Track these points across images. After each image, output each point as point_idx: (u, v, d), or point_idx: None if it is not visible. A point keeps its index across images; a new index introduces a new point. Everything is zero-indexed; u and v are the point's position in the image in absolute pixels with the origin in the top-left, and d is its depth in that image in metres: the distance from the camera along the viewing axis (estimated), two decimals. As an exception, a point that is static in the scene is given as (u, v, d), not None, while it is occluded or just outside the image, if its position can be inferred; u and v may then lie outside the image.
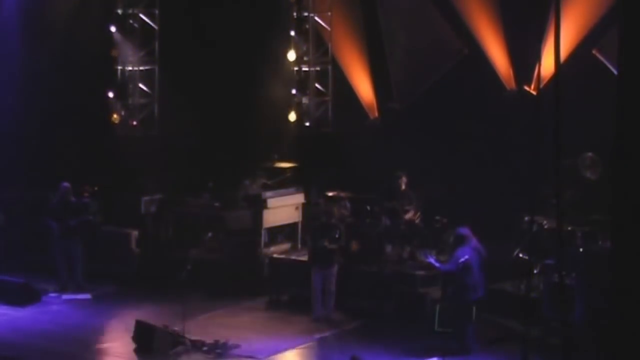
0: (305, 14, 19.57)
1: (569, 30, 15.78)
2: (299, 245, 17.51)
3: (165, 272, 16.48)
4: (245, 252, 17.08)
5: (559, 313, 13.40)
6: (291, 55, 19.49)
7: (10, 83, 19.28)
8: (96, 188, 18.63)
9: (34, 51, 19.39)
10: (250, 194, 17.82)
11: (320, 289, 14.89)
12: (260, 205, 17.31)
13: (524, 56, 16.41)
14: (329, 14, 19.50)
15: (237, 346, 13.65)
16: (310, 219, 17.05)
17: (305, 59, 19.64)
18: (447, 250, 15.23)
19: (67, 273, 16.55)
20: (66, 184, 16.57)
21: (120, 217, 18.01)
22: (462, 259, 13.14)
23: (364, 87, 19.22)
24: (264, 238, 17.52)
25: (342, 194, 17.08)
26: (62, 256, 16.50)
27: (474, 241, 13.52)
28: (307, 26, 19.60)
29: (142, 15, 19.82)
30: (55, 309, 15.75)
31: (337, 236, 14.85)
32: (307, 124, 19.76)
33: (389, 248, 16.42)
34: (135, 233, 17.22)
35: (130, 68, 19.91)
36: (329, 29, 19.55)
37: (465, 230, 13.60)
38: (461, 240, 13.49)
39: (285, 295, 15.96)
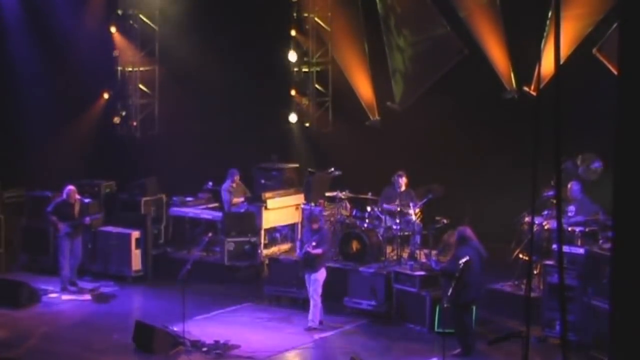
0: (305, 14, 19.58)
1: (569, 30, 15.78)
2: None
3: (165, 272, 16.51)
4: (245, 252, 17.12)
5: (558, 313, 13.41)
6: (291, 56, 19.50)
7: (10, 83, 19.29)
8: (96, 188, 18.65)
9: (33, 51, 19.38)
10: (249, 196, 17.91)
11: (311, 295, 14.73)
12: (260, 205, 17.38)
13: (524, 56, 16.40)
14: (329, 14, 19.50)
15: (237, 346, 13.65)
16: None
17: (305, 59, 19.65)
18: (447, 250, 15.24)
19: (69, 272, 16.54)
20: (70, 187, 16.60)
21: (120, 217, 18.01)
22: (463, 259, 13.14)
23: (364, 87, 19.21)
24: (263, 238, 17.54)
25: (342, 195, 17.08)
26: (66, 254, 16.50)
27: (474, 241, 13.52)
28: (307, 26, 19.61)
29: (142, 16, 19.83)
30: (55, 309, 15.74)
31: (314, 243, 14.56)
32: (307, 124, 19.76)
33: (389, 248, 16.42)
34: (135, 233, 17.20)
35: (130, 68, 19.92)
36: (329, 29, 19.56)
37: (466, 230, 13.60)
38: (462, 240, 13.49)
39: (285, 295, 15.94)
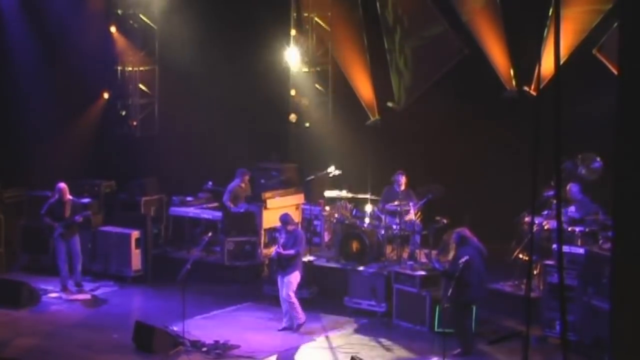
0: (306, 14, 19.58)
1: (569, 30, 15.79)
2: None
3: (165, 272, 16.50)
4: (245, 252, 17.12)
5: (558, 313, 13.41)
6: (291, 56, 19.49)
7: (10, 83, 19.28)
8: (96, 188, 18.64)
9: (33, 51, 19.37)
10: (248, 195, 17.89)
11: (284, 298, 14.55)
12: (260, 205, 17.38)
13: (524, 56, 16.41)
14: (329, 14, 19.49)
15: (237, 346, 13.65)
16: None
17: (305, 59, 19.64)
18: (447, 250, 15.24)
19: (68, 273, 16.53)
20: (62, 184, 16.56)
21: (120, 217, 18.00)
22: (463, 259, 13.14)
23: (364, 87, 19.20)
24: (263, 238, 17.53)
25: (342, 194, 17.08)
26: (63, 255, 16.49)
27: (474, 241, 13.52)
28: (307, 26, 19.61)
29: (142, 16, 19.82)
30: (55, 309, 15.74)
31: (282, 242, 14.42)
32: (307, 124, 19.76)
33: (389, 248, 16.42)
34: (135, 233, 17.20)
35: (130, 68, 19.91)
36: (329, 29, 19.56)
37: (465, 231, 13.61)
38: (462, 241, 13.49)
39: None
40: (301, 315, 14.46)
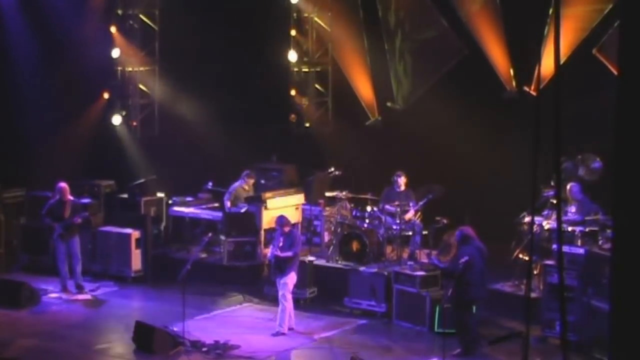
0: (305, 14, 19.59)
1: (569, 31, 15.80)
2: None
3: (165, 272, 16.50)
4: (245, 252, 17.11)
5: (558, 313, 13.41)
6: (291, 56, 19.50)
7: (10, 83, 19.29)
8: (96, 188, 18.63)
9: (34, 51, 19.38)
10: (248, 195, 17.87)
11: (279, 299, 14.45)
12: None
13: (524, 56, 16.41)
14: (329, 14, 19.50)
15: (237, 346, 13.65)
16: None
17: (305, 59, 19.65)
18: (448, 250, 15.25)
19: (68, 273, 16.52)
20: (62, 184, 16.54)
21: (120, 217, 18.00)
22: (463, 259, 13.13)
23: (364, 87, 19.22)
24: (263, 238, 17.51)
25: (342, 195, 17.08)
26: (62, 256, 16.48)
27: (476, 240, 13.51)
28: (307, 26, 19.62)
29: (142, 16, 19.83)
30: (55, 309, 15.74)
31: (280, 244, 14.30)
32: (307, 124, 19.77)
33: (389, 248, 16.42)
34: (135, 233, 17.20)
35: (130, 68, 19.91)
36: (329, 29, 19.56)
37: (468, 230, 13.59)
38: (464, 239, 13.48)
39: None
40: (286, 325, 14.30)
